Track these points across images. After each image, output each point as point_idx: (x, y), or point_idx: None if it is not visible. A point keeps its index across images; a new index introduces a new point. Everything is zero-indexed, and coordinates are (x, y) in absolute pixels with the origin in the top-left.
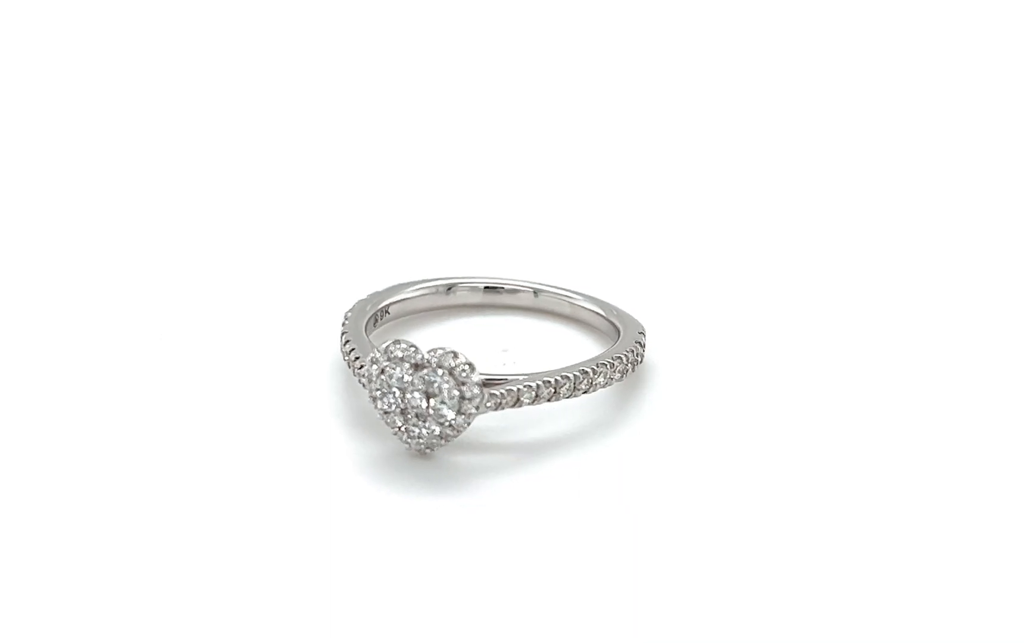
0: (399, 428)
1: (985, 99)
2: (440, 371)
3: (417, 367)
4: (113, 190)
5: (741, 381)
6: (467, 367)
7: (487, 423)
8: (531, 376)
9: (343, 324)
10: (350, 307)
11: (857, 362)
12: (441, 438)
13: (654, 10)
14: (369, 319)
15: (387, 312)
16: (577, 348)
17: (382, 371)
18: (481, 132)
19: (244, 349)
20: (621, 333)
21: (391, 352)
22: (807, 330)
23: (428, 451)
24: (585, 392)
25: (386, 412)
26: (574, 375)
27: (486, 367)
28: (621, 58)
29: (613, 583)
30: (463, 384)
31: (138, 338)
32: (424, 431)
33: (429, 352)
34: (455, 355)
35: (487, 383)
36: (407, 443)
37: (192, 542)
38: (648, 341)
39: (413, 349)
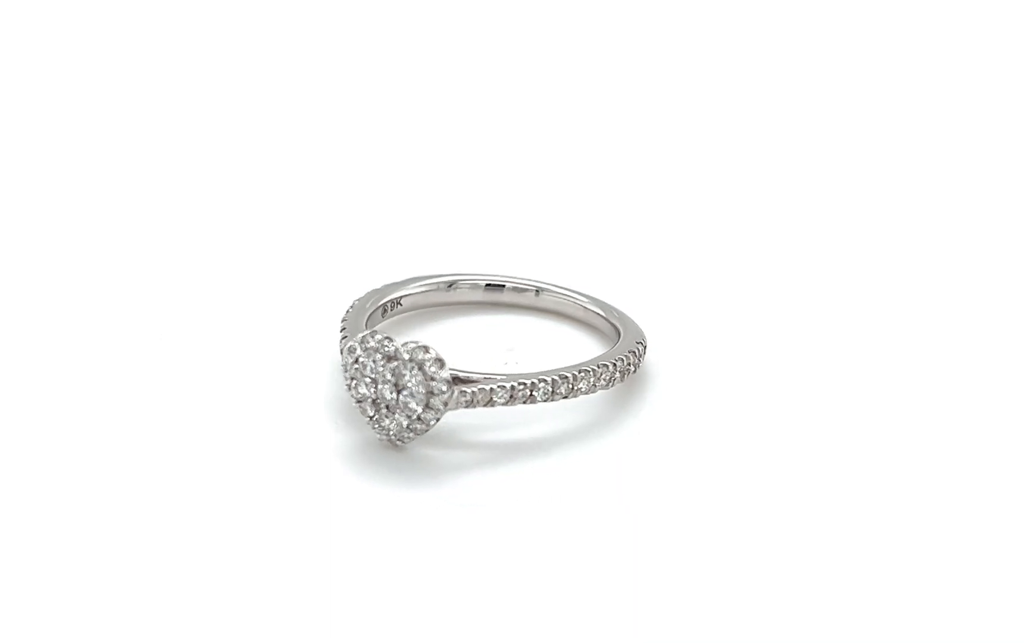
0: (371, 418)
1: (985, 99)
2: (410, 365)
3: (389, 359)
4: (130, 189)
5: (740, 388)
6: (436, 362)
7: (469, 420)
8: (507, 377)
9: (347, 312)
10: (359, 296)
11: (854, 372)
12: (409, 431)
13: (661, 11)
14: (376, 311)
15: (399, 304)
16: (576, 349)
17: (356, 361)
18: (488, 131)
19: (246, 342)
20: (620, 338)
21: (366, 342)
22: (807, 336)
23: (399, 443)
24: (565, 397)
25: (359, 401)
26: (552, 379)
27: (487, 365)
28: (632, 62)
29: (584, 579)
30: (432, 379)
31: (140, 333)
32: (392, 423)
33: (402, 345)
34: (426, 349)
35: (458, 379)
36: (379, 435)
37: (161, 527)
38: (650, 344)
39: (387, 341)
